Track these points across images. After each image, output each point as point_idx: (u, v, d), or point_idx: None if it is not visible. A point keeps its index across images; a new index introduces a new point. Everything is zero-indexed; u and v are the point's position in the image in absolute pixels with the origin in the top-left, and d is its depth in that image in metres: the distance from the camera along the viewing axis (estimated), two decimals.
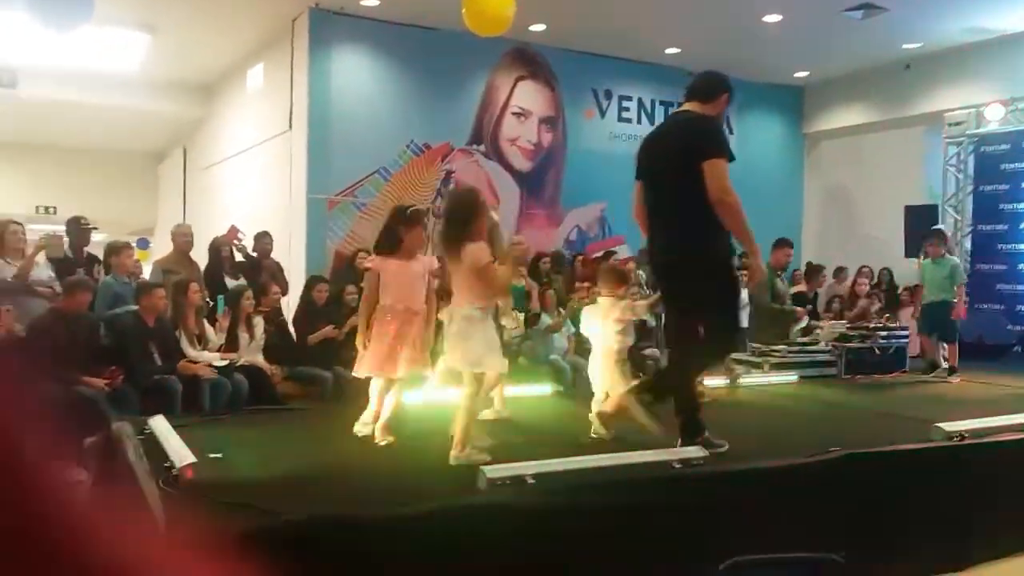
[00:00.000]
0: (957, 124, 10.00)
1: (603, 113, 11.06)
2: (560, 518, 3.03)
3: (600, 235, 10.80)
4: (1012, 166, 9.38)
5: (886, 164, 11.18)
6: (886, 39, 9.74)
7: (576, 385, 5.34)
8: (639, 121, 11.32)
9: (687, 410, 3.78)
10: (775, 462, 3.69)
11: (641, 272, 7.49)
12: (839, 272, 9.55)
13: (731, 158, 3.68)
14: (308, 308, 6.60)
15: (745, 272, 4.14)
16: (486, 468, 3.08)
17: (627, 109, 11.25)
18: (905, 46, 10.12)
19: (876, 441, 4.17)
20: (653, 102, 11.39)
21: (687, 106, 3.97)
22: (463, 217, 3.62)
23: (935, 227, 8.24)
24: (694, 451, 3.54)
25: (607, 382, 4.19)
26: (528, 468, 3.12)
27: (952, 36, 9.68)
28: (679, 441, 3.73)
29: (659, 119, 11.36)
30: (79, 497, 0.47)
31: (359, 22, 9.24)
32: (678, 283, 3.79)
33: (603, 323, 4.21)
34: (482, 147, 10.10)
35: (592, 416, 4.19)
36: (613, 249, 9.72)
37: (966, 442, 4.24)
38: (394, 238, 4.06)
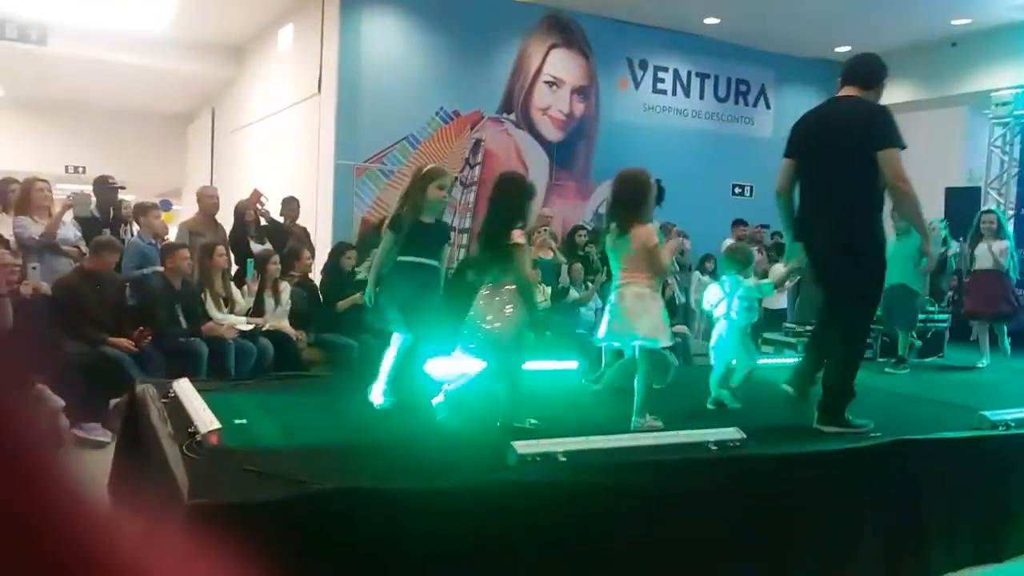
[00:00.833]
0: (1004, 104, 9.67)
1: (637, 84, 10.82)
2: (590, 498, 2.93)
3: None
4: None
5: (926, 145, 10.83)
6: (933, 14, 9.41)
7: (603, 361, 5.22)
8: (674, 93, 11.08)
9: (846, 392, 3.84)
10: (815, 447, 3.56)
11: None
12: None
13: (903, 146, 3.73)
14: (335, 275, 6.53)
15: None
16: (516, 444, 2.99)
17: (662, 80, 11.00)
18: (954, 22, 9.76)
19: (919, 428, 4.03)
20: (689, 74, 11.13)
21: (847, 90, 3.99)
22: (633, 200, 3.76)
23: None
24: (731, 432, 3.42)
25: (732, 355, 4.38)
26: (560, 445, 3.02)
27: (1002, 13, 9.32)
28: (815, 419, 3.82)
29: (695, 91, 11.13)
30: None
31: None
32: (843, 262, 3.83)
33: (730, 300, 4.38)
34: (512, 116, 9.93)
35: (712, 387, 4.39)
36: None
37: (1012, 431, 4.08)
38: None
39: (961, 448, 3.92)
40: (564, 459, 2.98)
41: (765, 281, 4.73)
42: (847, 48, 11.37)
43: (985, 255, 6.94)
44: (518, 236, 3.61)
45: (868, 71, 4.01)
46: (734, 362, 4.42)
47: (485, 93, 9.76)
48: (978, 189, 9.92)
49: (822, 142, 3.87)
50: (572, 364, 5.82)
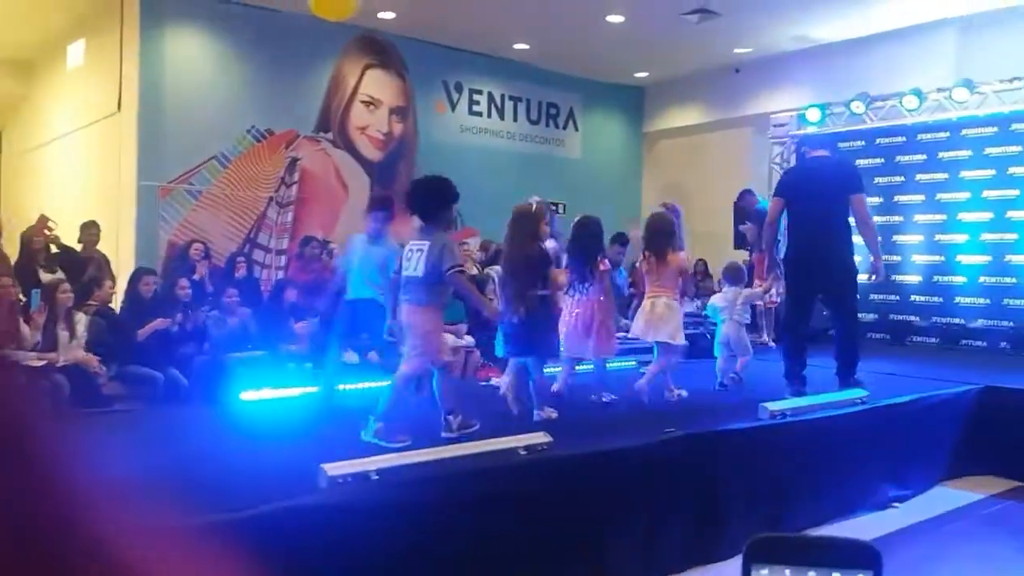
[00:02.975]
0: (781, 125, 10.73)
1: (454, 106, 11.05)
2: (406, 514, 2.99)
3: (454, 227, 10.78)
4: None
5: (719, 163, 11.84)
6: (719, 43, 10.30)
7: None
8: (489, 115, 11.40)
9: (859, 355, 5.35)
10: (617, 445, 3.82)
11: (492, 272, 7.63)
12: None
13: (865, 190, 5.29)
14: (135, 302, 6.18)
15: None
16: (327, 466, 2.99)
17: (477, 103, 11.30)
18: (736, 51, 10.75)
19: (710, 422, 4.42)
20: (503, 96, 11.51)
21: (820, 152, 5.54)
22: (667, 233, 5.11)
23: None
24: (539, 437, 3.60)
25: (736, 349, 5.73)
26: (371, 464, 3.06)
27: (778, 43, 10.38)
28: (840, 381, 5.24)
29: (509, 114, 11.53)
30: None
31: (196, 0, 8.75)
32: (840, 275, 5.19)
33: (732, 306, 5.70)
34: (330, 135, 9.84)
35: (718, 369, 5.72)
36: (465, 241, 9.73)
37: (787, 420, 4.56)
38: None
39: (746, 437, 4.35)
40: (376, 477, 3.02)
41: (756, 290, 6.20)
42: (645, 74, 12.24)
43: None
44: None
45: (826, 142, 5.69)
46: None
47: (300, 111, 9.62)
48: (763, 203, 10.94)
49: (814, 188, 5.20)
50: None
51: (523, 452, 3.48)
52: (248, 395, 5.02)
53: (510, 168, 11.00)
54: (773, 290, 6.38)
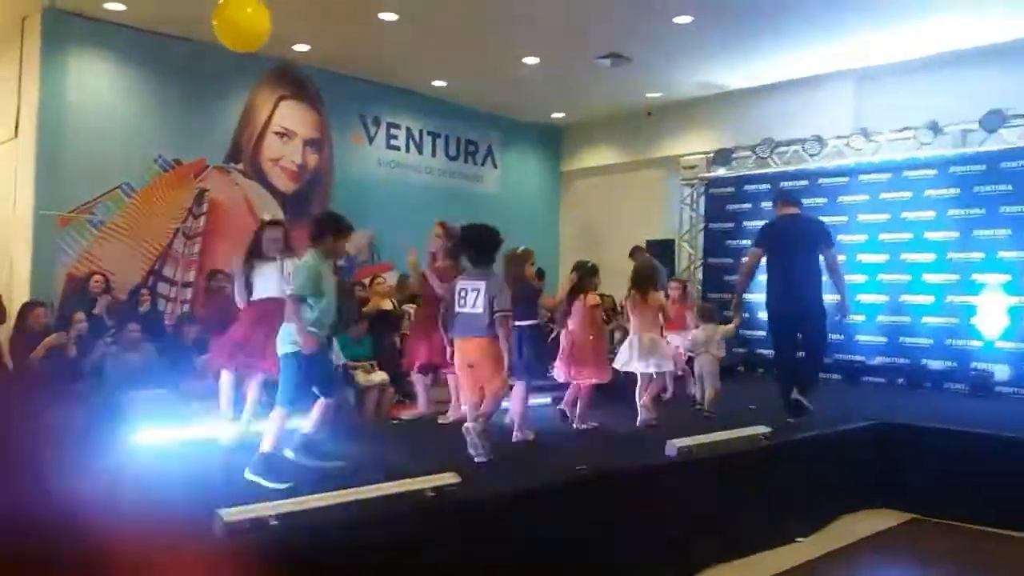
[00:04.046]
0: (691, 167, 11.08)
1: (371, 139, 11.00)
2: (305, 562, 2.88)
3: (369, 260, 10.68)
4: (736, 207, 10.54)
5: (633, 202, 12.13)
6: (631, 87, 10.60)
7: None
8: (407, 149, 11.39)
9: (818, 379, 6.26)
10: (524, 485, 3.80)
11: (409, 310, 7.64)
12: None
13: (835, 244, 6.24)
14: (26, 336, 5.86)
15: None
16: (223, 511, 2.87)
17: (395, 137, 11.28)
18: (648, 95, 11.08)
19: (620, 458, 4.45)
20: (421, 132, 11.53)
21: (792, 209, 6.28)
22: (651, 276, 5.82)
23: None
24: (447, 478, 3.54)
25: (710, 380, 6.27)
26: (271, 508, 2.94)
27: (686, 89, 10.75)
28: (803, 400, 5.87)
29: (427, 149, 11.55)
30: None
31: (102, 26, 8.48)
32: (815, 315, 6.01)
33: (711, 342, 6.25)
34: (241, 166, 9.63)
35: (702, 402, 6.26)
36: (381, 275, 9.62)
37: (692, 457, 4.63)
38: None
39: (651, 474, 4.39)
40: (276, 523, 2.91)
41: (729, 327, 6.55)
42: (562, 114, 12.48)
43: None
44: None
45: (796, 198, 6.49)
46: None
47: (210, 142, 9.39)
48: (673, 241, 11.24)
49: (792, 242, 6.04)
50: None
51: (431, 494, 3.41)
52: (147, 435, 4.79)
53: (428, 202, 10.98)
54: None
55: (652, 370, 5.60)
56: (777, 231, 6.22)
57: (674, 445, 4.63)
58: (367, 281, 8.63)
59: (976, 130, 8.51)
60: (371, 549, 3.07)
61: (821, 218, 6.89)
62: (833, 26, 8.38)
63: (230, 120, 9.56)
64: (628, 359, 5.61)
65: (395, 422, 6.04)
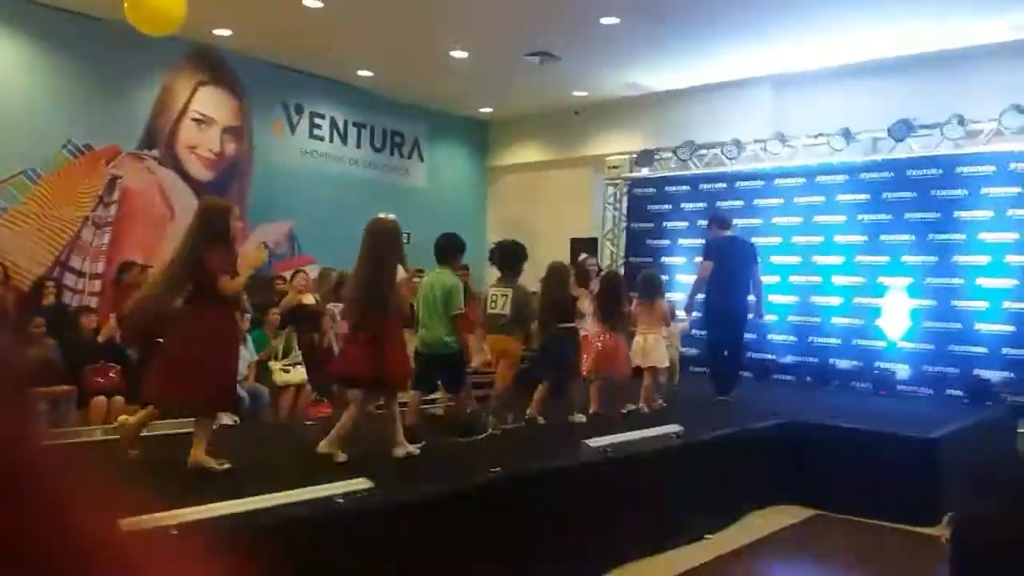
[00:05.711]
0: (615, 167, 11.21)
1: (293, 128, 10.78)
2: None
3: (289, 253, 10.46)
4: (656, 207, 10.71)
5: (558, 199, 12.21)
6: (559, 85, 10.66)
7: None
8: (331, 140, 11.20)
9: (739, 374, 7.60)
10: (436, 488, 3.79)
11: (335, 309, 7.47)
12: None
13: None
14: None
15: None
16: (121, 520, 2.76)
17: (319, 127, 11.08)
18: (575, 93, 11.16)
19: (537, 459, 4.48)
20: (346, 122, 11.35)
21: (729, 231, 7.59)
22: (656, 285, 6.69)
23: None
24: (358, 483, 3.50)
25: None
26: (170, 518, 2.85)
27: (612, 89, 10.87)
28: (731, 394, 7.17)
29: (352, 140, 11.39)
30: None
31: (8, 1, 8.06)
32: (742, 317, 7.34)
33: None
34: (156, 152, 9.30)
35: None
36: (302, 268, 9.46)
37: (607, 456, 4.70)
38: None
39: (565, 474, 4.43)
40: (175, 532, 2.82)
41: (683, 324, 7.85)
42: (490, 109, 12.46)
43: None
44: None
45: (731, 220, 7.83)
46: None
47: (124, 127, 9.04)
48: (596, 239, 11.36)
49: (736, 258, 7.30)
50: None
51: (340, 500, 3.37)
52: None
53: (352, 194, 10.84)
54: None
55: (654, 364, 6.47)
56: (722, 249, 7.45)
57: (588, 444, 4.69)
58: (288, 275, 8.46)
59: (885, 138, 8.85)
60: (276, 558, 3.01)
61: (741, 222, 7.67)
62: (754, 33, 8.60)
63: (145, 105, 9.23)
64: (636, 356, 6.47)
65: (310, 423, 5.93)
